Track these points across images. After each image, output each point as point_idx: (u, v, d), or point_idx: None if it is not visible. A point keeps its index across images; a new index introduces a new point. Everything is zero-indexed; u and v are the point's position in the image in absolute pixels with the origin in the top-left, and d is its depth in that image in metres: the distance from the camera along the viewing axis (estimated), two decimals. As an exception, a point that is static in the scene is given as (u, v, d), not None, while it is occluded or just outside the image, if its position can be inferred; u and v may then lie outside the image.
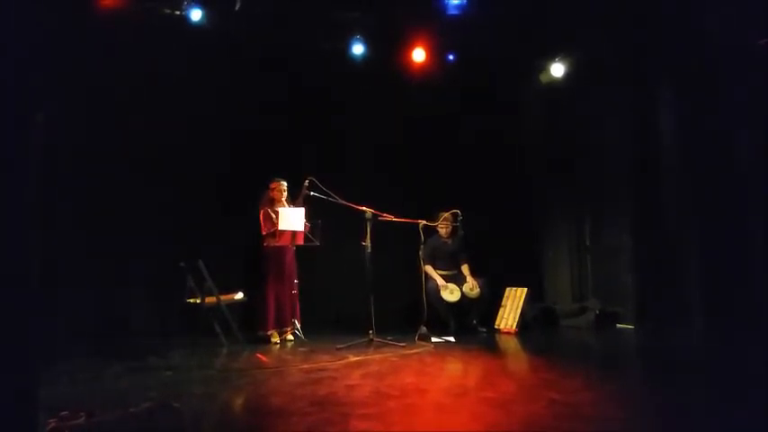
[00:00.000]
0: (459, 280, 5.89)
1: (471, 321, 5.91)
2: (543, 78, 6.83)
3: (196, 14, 5.67)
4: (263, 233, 5.35)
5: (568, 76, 6.59)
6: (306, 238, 5.38)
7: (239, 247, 5.91)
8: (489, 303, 6.02)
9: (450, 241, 6.04)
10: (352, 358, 4.40)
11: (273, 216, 5.30)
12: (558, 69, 6.61)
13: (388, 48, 6.44)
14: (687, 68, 5.06)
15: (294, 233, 5.36)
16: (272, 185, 5.44)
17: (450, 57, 6.76)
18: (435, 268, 5.94)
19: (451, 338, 5.36)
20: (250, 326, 5.36)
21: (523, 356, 4.90)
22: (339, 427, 2.60)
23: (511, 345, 5.30)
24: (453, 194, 6.19)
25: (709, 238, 4.87)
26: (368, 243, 5.11)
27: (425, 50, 6.46)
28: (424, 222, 5.61)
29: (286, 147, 6.20)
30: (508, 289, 6.20)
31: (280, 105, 6.32)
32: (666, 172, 5.46)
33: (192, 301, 5.09)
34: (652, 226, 5.63)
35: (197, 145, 5.92)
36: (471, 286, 5.80)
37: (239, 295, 5.34)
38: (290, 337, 5.40)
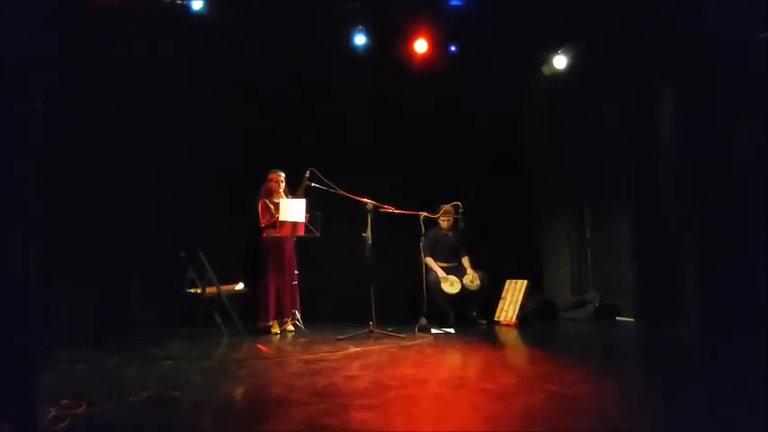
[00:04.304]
0: (459, 272, 5.89)
1: (471, 313, 5.92)
2: (546, 70, 6.79)
3: (197, 3, 5.64)
4: (262, 224, 5.36)
5: (571, 68, 6.56)
6: (306, 230, 5.38)
7: (240, 238, 5.91)
8: (489, 295, 6.03)
9: (450, 233, 6.04)
10: (352, 349, 4.42)
11: (272, 207, 5.30)
12: (560, 61, 6.57)
13: (390, 39, 6.40)
14: (687, 63, 5.03)
15: (295, 224, 5.37)
16: (270, 176, 5.43)
17: (452, 48, 6.72)
18: (436, 260, 5.94)
19: (451, 330, 5.37)
20: (250, 316, 5.37)
21: (523, 349, 4.91)
22: (339, 418, 2.61)
23: (510, 337, 5.31)
24: (454, 186, 6.19)
25: (708, 232, 4.86)
26: (368, 234, 5.11)
27: (427, 41, 6.42)
28: (425, 214, 5.61)
29: (286, 137, 6.20)
30: (508, 281, 6.21)
31: (280, 96, 6.31)
32: (667, 165, 5.45)
33: (192, 291, 5.10)
34: (652, 219, 5.62)
35: (197, 136, 5.92)
36: (471, 278, 5.80)
37: (240, 286, 5.35)
38: (291, 327, 5.42)
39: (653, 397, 3.11)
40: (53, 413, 2.56)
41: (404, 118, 6.75)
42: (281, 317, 5.37)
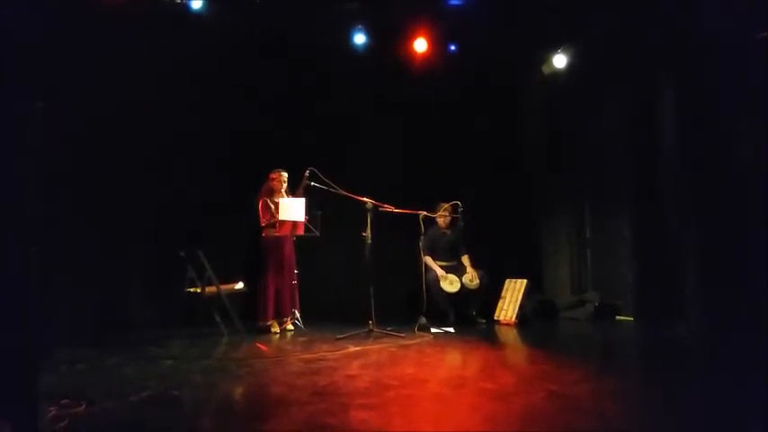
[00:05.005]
0: (458, 271, 5.89)
1: (471, 312, 5.92)
2: (545, 70, 6.79)
3: (197, 3, 5.65)
4: (262, 224, 5.36)
5: (571, 67, 6.56)
6: (306, 229, 5.39)
7: (240, 237, 5.91)
8: (489, 295, 6.03)
9: (449, 232, 6.04)
10: (352, 348, 4.42)
11: (272, 206, 5.30)
12: (560, 61, 6.57)
13: (390, 38, 6.40)
14: (687, 63, 5.03)
15: (294, 223, 5.37)
16: (272, 175, 5.43)
17: (452, 47, 6.73)
18: (435, 259, 5.94)
19: (451, 329, 5.37)
20: (250, 316, 5.37)
21: (522, 348, 4.91)
22: (338, 417, 2.61)
23: (510, 336, 5.31)
24: (454, 186, 6.19)
25: (708, 231, 4.86)
26: (368, 234, 5.11)
27: (427, 41, 6.42)
28: (425, 213, 5.60)
29: (286, 136, 6.20)
30: (508, 280, 6.21)
31: (280, 95, 6.31)
32: (667, 165, 5.45)
33: (192, 290, 5.10)
34: (652, 219, 5.62)
35: (197, 134, 5.92)
36: (471, 277, 5.80)
37: (239, 285, 5.35)
38: (290, 326, 5.42)
39: (653, 397, 3.11)
40: (53, 412, 2.56)
41: (404, 118, 6.75)
42: (280, 316, 5.37)
